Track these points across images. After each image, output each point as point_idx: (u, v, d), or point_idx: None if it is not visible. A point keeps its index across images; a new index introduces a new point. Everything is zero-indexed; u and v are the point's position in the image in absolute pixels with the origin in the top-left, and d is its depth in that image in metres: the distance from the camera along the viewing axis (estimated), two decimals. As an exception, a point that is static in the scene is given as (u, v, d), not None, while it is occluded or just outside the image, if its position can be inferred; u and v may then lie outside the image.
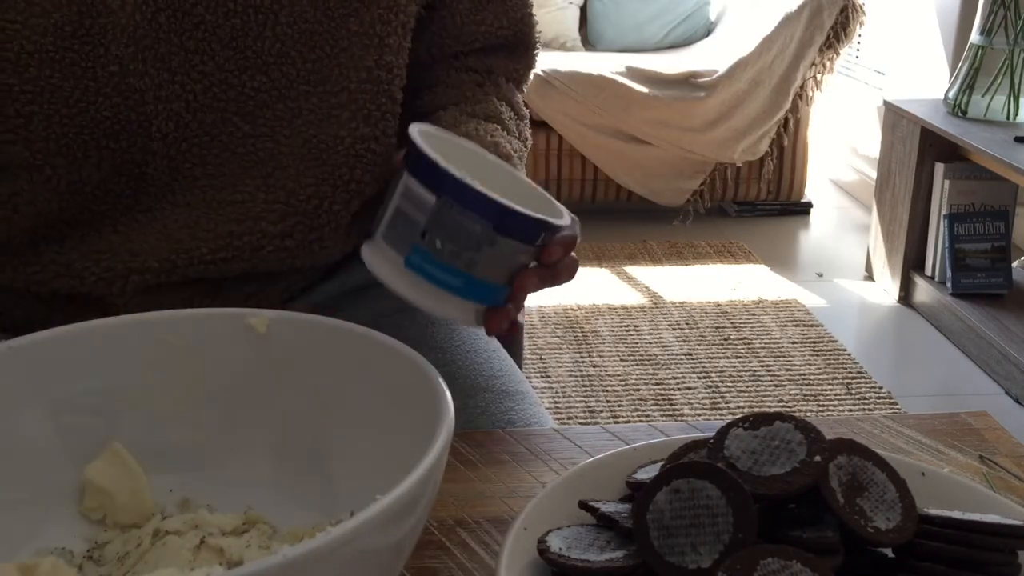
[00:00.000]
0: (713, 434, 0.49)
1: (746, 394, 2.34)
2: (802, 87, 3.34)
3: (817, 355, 2.54)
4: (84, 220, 0.72)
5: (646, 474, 0.51)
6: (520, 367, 1.09)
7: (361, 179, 0.76)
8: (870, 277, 3.05)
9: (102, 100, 0.68)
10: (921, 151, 2.72)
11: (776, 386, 2.38)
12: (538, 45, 0.89)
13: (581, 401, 2.30)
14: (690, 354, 2.54)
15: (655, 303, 2.86)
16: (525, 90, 0.91)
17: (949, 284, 2.65)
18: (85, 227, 0.72)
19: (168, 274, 0.72)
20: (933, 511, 0.46)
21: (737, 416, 0.46)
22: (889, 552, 0.46)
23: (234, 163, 0.73)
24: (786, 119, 3.39)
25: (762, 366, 2.48)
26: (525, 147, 0.83)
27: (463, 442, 0.65)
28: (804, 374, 2.44)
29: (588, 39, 3.85)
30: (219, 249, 0.73)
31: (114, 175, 0.71)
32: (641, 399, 2.31)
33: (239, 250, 0.73)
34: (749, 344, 2.60)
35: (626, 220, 3.51)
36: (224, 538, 0.47)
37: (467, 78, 0.84)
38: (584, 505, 0.49)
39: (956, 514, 0.46)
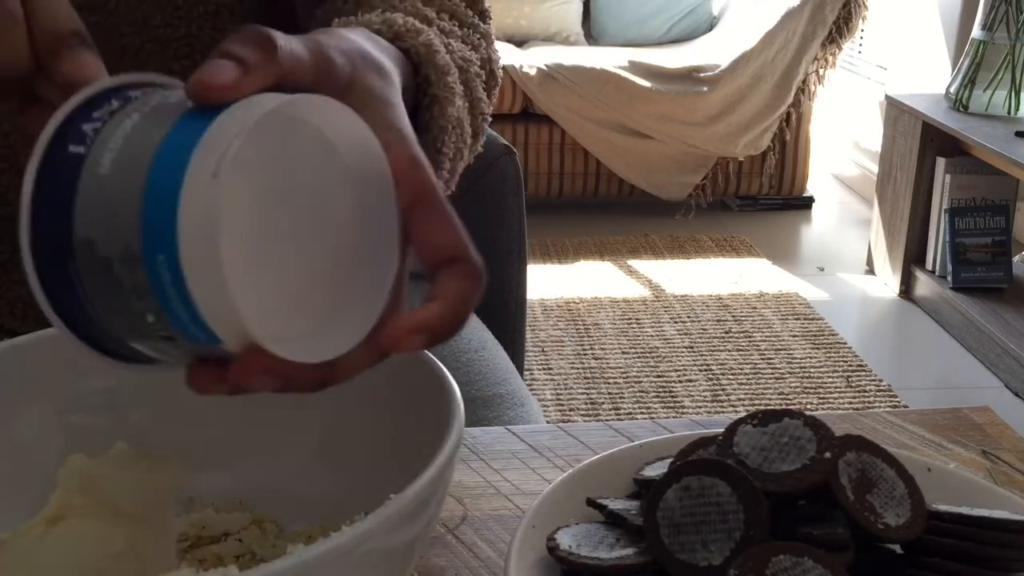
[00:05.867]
0: (718, 430, 0.49)
1: (747, 387, 2.34)
2: (804, 82, 3.34)
3: (818, 348, 2.54)
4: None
5: (654, 471, 0.51)
6: (522, 360, 1.08)
7: None
8: (871, 271, 3.05)
9: None
10: (922, 146, 2.72)
11: (777, 379, 2.38)
12: None
13: (583, 393, 2.30)
14: (691, 347, 2.54)
15: (657, 296, 2.86)
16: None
17: (950, 278, 2.65)
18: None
19: None
20: (942, 507, 0.46)
21: (738, 408, 0.46)
22: (898, 548, 0.46)
23: None
24: (788, 114, 3.39)
25: (763, 359, 2.48)
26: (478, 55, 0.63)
27: (466, 439, 0.65)
28: (805, 367, 2.44)
29: (591, 33, 3.85)
30: None
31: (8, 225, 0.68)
32: (643, 391, 2.31)
33: None
34: (750, 337, 2.60)
35: (628, 214, 3.51)
36: (232, 537, 0.47)
37: None
38: (592, 503, 0.49)
39: (965, 510, 0.46)
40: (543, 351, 2.52)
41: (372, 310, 0.37)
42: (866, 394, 2.30)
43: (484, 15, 0.67)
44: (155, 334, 0.35)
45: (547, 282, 2.92)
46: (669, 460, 0.51)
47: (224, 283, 0.32)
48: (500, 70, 0.66)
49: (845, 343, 2.56)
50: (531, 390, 1.49)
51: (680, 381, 2.37)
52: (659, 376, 2.39)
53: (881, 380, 2.37)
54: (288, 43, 0.36)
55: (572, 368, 2.43)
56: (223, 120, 0.33)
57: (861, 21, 3.28)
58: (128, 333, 0.35)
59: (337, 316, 0.37)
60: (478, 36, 0.64)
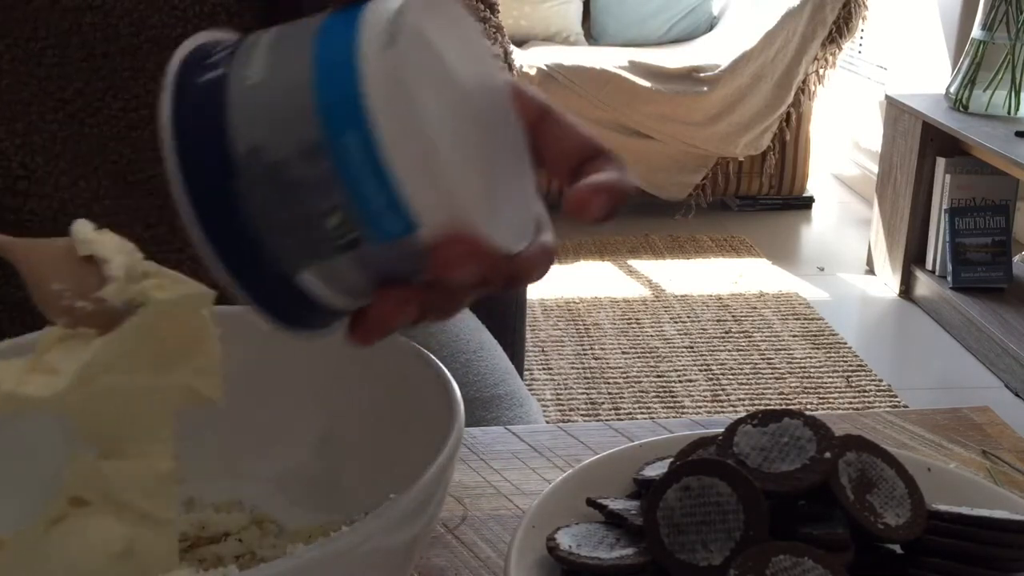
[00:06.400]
0: (718, 430, 0.49)
1: (747, 387, 2.34)
2: (804, 82, 3.34)
3: (818, 348, 2.54)
4: None
5: (654, 471, 0.51)
6: (522, 360, 1.08)
7: None
8: (871, 271, 3.05)
9: None
10: (922, 146, 2.72)
11: (777, 379, 2.38)
12: None
13: (583, 393, 2.30)
14: (691, 347, 2.54)
15: (657, 296, 2.86)
16: None
17: (950, 278, 2.65)
18: None
19: None
20: (942, 507, 0.46)
21: (738, 408, 0.46)
22: (899, 548, 0.46)
23: (134, 194, 0.67)
24: (788, 114, 3.39)
25: (763, 359, 2.48)
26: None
27: (466, 439, 0.65)
28: (805, 367, 2.44)
29: (591, 33, 3.85)
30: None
31: None
32: (643, 391, 2.31)
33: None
34: (750, 337, 2.60)
35: (628, 214, 3.50)
36: (232, 537, 0.47)
37: None
38: (592, 503, 0.49)
39: (965, 510, 0.46)
40: (543, 351, 2.52)
41: (530, 211, 0.36)
42: (866, 394, 2.30)
43: (494, 8, 0.66)
44: (335, 243, 0.32)
45: (547, 282, 2.92)
46: (669, 460, 0.51)
47: (429, 142, 0.30)
48: (515, 62, 0.66)
49: (845, 343, 2.56)
50: (531, 390, 1.49)
51: (680, 381, 2.37)
52: (659, 376, 2.39)
53: (881, 380, 2.37)
54: None
55: (572, 368, 2.43)
56: (373, 6, 0.32)
57: (861, 21, 3.28)
58: (300, 254, 0.33)
59: (506, 212, 0.35)
60: (492, 29, 0.63)
